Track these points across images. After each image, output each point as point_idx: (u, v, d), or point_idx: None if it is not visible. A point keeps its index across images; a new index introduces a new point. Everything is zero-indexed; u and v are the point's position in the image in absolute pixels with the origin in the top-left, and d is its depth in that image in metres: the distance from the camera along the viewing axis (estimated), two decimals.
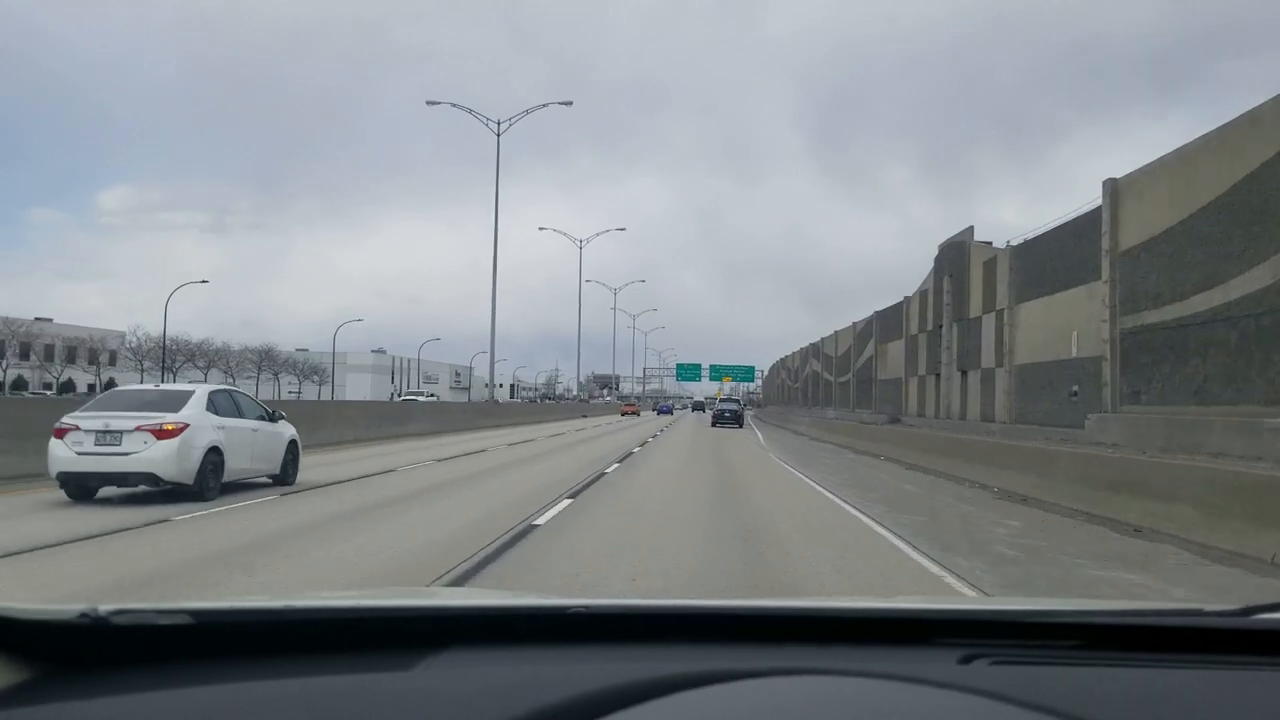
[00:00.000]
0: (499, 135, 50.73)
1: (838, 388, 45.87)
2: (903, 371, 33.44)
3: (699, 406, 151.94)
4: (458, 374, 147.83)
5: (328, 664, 1.29)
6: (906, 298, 34.04)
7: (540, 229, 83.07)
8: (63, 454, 11.49)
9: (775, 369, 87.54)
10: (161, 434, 11.54)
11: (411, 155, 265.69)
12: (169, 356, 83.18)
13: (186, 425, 11.78)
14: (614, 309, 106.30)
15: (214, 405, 12.63)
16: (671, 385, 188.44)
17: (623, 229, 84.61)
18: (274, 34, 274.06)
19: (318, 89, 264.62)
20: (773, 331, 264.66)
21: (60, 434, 11.61)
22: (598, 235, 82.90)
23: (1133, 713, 1.20)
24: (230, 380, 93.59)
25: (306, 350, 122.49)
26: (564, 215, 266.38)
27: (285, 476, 14.01)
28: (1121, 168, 37.09)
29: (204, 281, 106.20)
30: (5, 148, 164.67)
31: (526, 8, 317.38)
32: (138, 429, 11.53)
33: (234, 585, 6.94)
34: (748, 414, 57.83)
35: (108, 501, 11.79)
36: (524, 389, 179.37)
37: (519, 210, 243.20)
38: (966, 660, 1.35)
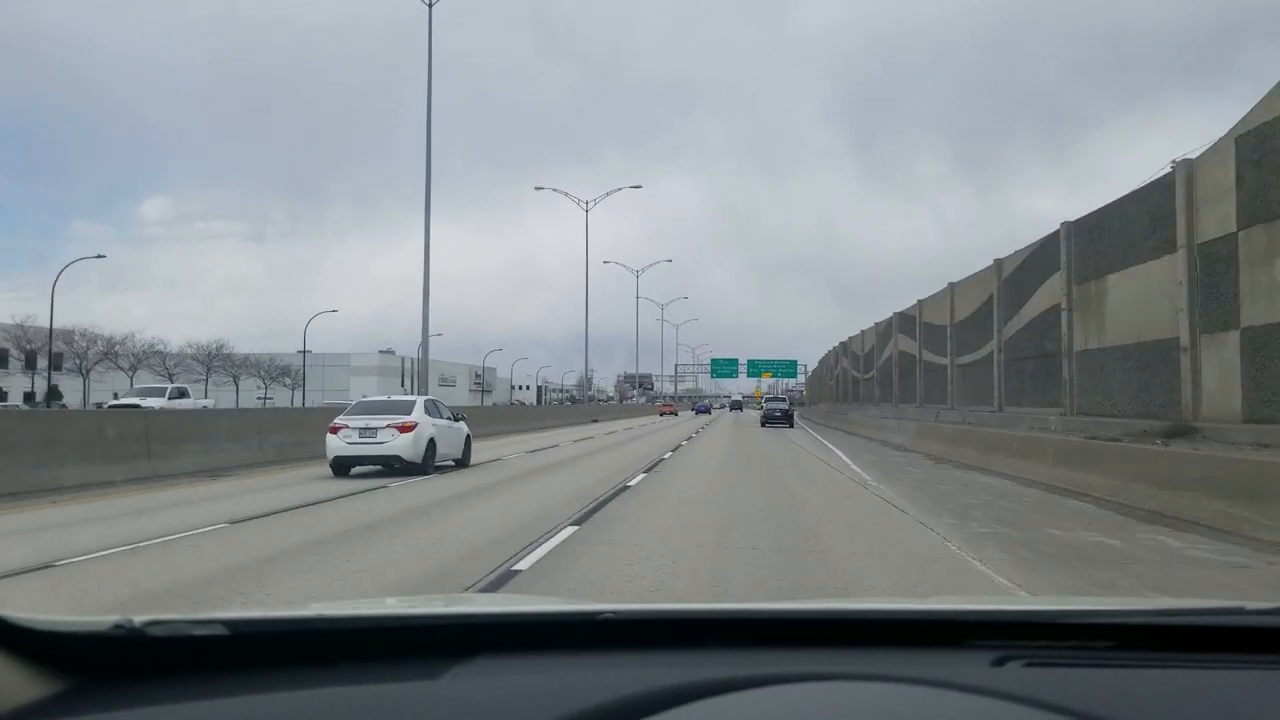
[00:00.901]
0: (430, 6, 35.57)
1: (958, 374, 28.54)
2: (1180, 325, 14.32)
3: (736, 405, 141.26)
4: (478, 375, 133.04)
5: (359, 673, 1.28)
6: (1181, 162, 14.69)
7: (537, 189, 66.84)
8: (337, 444, 16.86)
9: (830, 358, 69.97)
10: (403, 429, 16.83)
11: (445, 160, 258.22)
12: (79, 357, 67.31)
13: (417, 424, 17.04)
14: (637, 297, 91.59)
15: (427, 409, 17.93)
16: (707, 384, 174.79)
17: (638, 186, 68.42)
18: (304, 39, 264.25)
19: (349, 95, 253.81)
20: (809, 328, 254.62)
21: (334, 431, 17.02)
22: (607, 195, 66.78)
23: (1169, 714, 1.16)
24: (170, 381, 78.19)
25: (309, 352, 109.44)
26: (594, 213, 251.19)
27: (465, 459, 19.24)
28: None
29: (100, 256, 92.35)
30: (45, 160, 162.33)
31: (556, 9, 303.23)
32: (387, 426, 16.83)
33: (451, 521, 10.60)
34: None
35: (353, 476, 16.55)
36: (553, 390, 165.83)
37: (549, 209, 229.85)
38: (1000, 662, 1.31)
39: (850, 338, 53.97)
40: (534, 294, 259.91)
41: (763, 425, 45.19)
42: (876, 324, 44.28)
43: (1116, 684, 1.25)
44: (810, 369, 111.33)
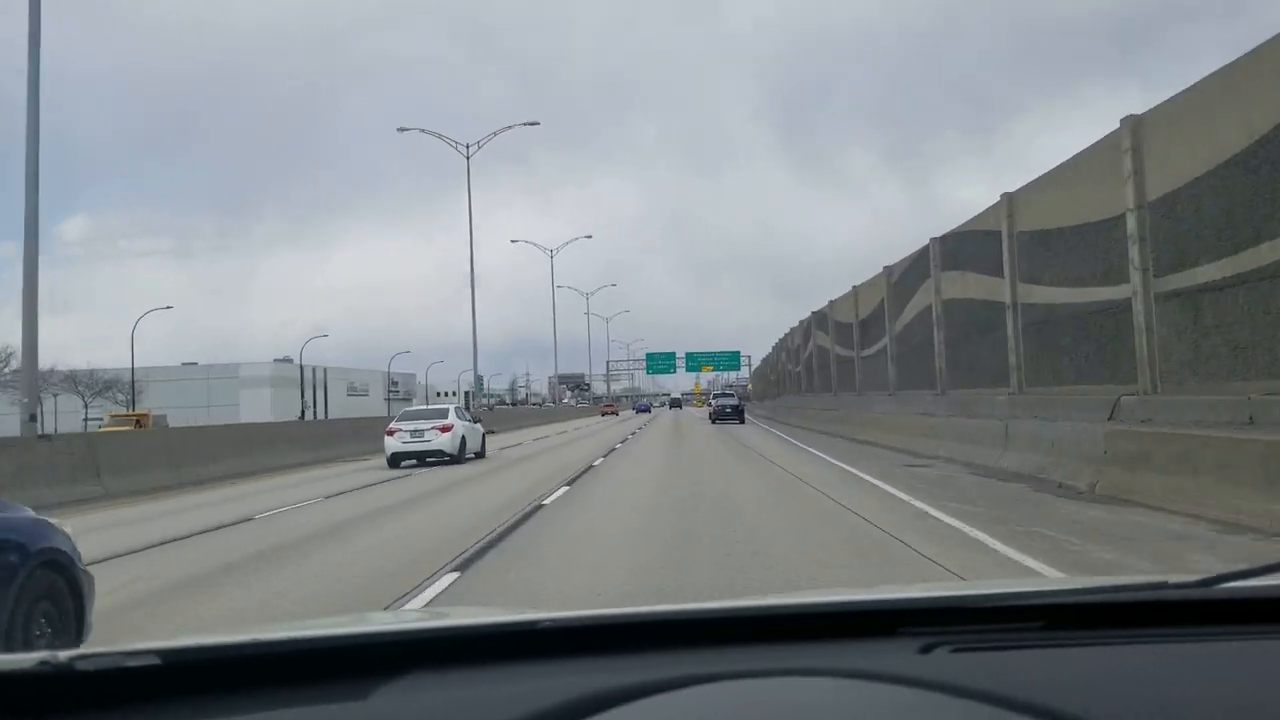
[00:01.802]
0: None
1: (1175, 314, 13.11)
2: None
3: (676, 404, 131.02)
4: (395, 382, 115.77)
5: (290, 696, 1.26)
6: None
7: (401, 129, 51.04)
8: (393, 444, 22.45)
9: (792, 338, 54.73)
10: (443, 430, 22.56)
11: (376, 169, 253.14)
12: None
13: (453, 425, 22.97)
14: (554, 285, 79.07)
15: (457, 414, 23.99)
16: (646, 382, 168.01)
17: (535, 124, 53.96)
18: (230, 48, 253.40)
19: (276, 104, 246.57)
20: (748, 325, 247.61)
21: (390, 433, 22.74)
22: (494, 135, 52.78)
23: (1095, 691, 1.17)
24: None
25: (194, 364, 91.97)
26: (532, 219, 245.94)
27: (482, 452, 24.95)
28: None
29: None
30: None
31: (487, 13, 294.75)
32: (431, 428, 22.55)
33: (491, 485, 15.92)
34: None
35: (401, 467, 21.71)
36: (485, 395, 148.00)
37: (487, 216, 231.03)
38: (926, 649, 1.32)
39: (832, 301, 38.22)
40: (471, 299, 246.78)
41: (713, 422, 46.39)
42: (887, 268, 28.52)
43: (1042, 664, 1.27)
44: (758, 360, 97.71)
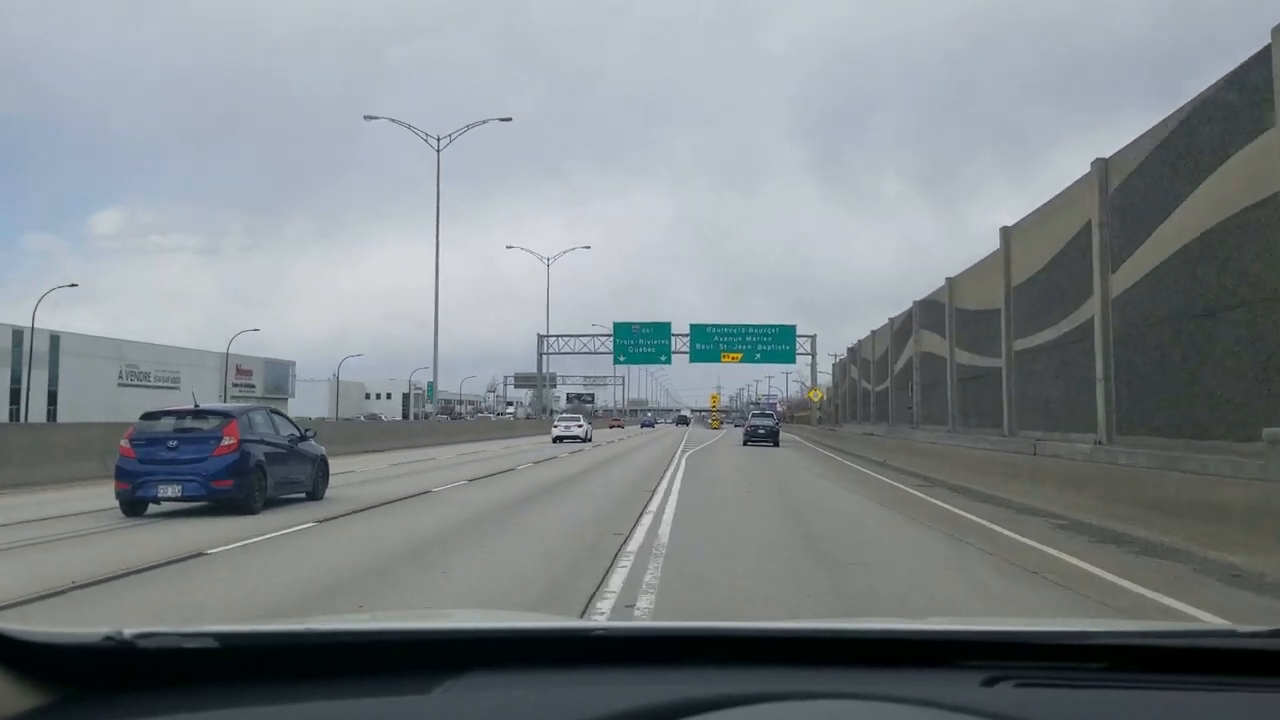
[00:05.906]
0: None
1: None
2: None
3: (683, 420, 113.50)
4: (248, 371, 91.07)
5: (350, 688, 1.33)
6: None
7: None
8: (555, 430, 50.64)
9: (871, 345, 41.61)
10: (579, 426, 51.34)
11: (406, 174, 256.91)
12: None
13: (584, 425, 52.62)
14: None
15: (584, 419, 55.58)
16: (657, 394, 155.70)
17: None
18: (266, 51, 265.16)
19: (308, 107, 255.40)
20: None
21: (555, 425, 52.02)
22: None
23: None
24: None
25: None
26: (562, 231, 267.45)
27: (590, 439, 50.43)
28: None
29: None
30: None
31: (523, 23, 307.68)
32: (575, 424, 51.66)
33: (606, 449, 39.69)
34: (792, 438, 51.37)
35: (558, 446, 42.27)
36: (456, 401, 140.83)
37: (512, 226, 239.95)
38: (991, 683, 1.35)
39: (952, 279, 25.03)
40: (494, 308, 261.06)
41: (745, 443, 43.49)
42: (1100, 160, 15.56)
43: (1107, 705, 1.29)
44: (841, 349, 71.12)
